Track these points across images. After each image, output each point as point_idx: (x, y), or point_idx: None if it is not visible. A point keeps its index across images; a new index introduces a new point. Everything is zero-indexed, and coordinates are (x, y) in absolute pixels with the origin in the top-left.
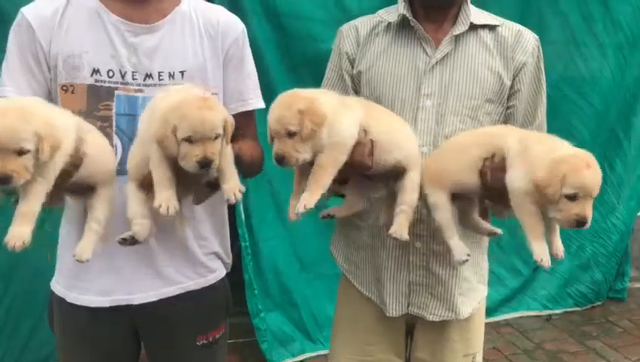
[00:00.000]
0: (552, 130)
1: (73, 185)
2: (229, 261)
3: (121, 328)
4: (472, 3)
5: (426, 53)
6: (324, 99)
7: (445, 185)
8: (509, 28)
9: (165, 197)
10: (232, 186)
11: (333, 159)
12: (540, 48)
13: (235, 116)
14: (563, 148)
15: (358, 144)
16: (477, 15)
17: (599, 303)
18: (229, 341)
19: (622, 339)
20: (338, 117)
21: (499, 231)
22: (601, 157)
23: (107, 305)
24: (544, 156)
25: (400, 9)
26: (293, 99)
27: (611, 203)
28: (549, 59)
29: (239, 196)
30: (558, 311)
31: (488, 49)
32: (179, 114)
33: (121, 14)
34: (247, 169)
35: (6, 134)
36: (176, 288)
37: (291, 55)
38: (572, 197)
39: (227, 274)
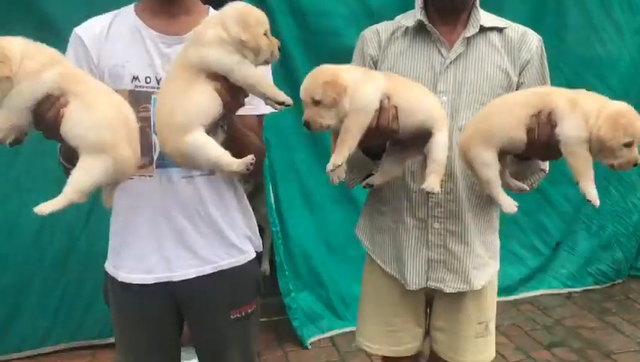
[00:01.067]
0: None
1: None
2: (259, 242)
3: (165, 303)
4: None
5: (441, 54)
6: (347, 72)
7: (495, 143)
8: (514, 30)
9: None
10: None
11: (356, 122)
12: (543, 47)
13: (243, 118)
14: (609, 102)
15: (382, 110)
16: (486, 18)
17: (619, 281)
18: (264, 319)
19: None
20: (359, 86)
21: (526, 187)
22: None
23: (151, 281)
24: (597, 109)
25: (417, 15)
26: (319, 72)
27: (631, 183)
28: (568, 44)
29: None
30: (578, 289)
31: (497, 49)
32: (245, 14)
33: (156, 29)
34: (243, 142)
35: None
36: (211, 267)
37: (316, 50)
38: (629, 145)
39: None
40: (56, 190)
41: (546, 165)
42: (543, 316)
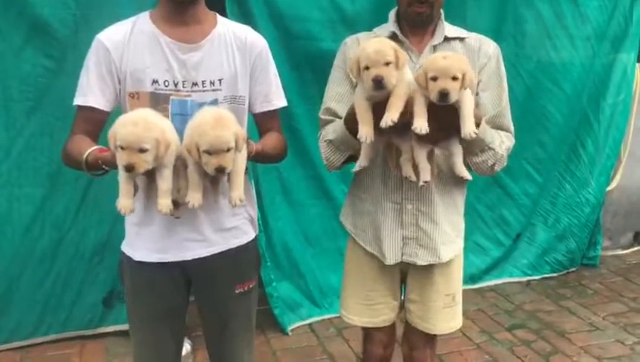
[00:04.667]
0: (528, 113)
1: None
2: (257, 225)
3: (176, 279)
4: (455, 6)
5: (412, 60)
6: None
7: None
8: (474, 38)
9: (196, 197)
10: (235, 195)
11: (404, 91)
12: (499, 52)
13: (262, 114)
14: None
15: None
16: (449, 30)
17: (574, 269)
18: None
19: (593, 299)
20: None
21: (468, 176)
22: (573, 137)
23: (165, 261)
24: None
25: (390, 27)
26: (387, 41)
27: (584, 179)
28: (526, 50)
29: (239, 203)
30: (536, 277)
31: None
32: (198, 133)
33: (172, 36)
34: (272, 159)
35: (134, 139)
36: (218, 247)
37: (293, 53)
38: (434, 79)
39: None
40: (47, 184)
41: (494, 145)
42: (504, 302)
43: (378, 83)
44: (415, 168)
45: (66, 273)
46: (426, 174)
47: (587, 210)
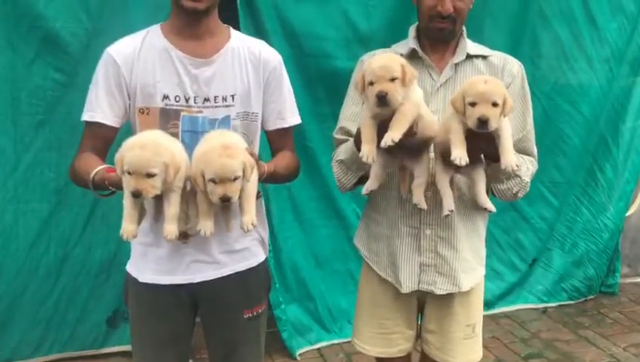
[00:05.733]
0: (545, 136)
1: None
2: (268, 247)
3: (183, 302)
4: (472, 25)
5: (432, 78)
6: None
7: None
8: (497, 57)
9: (207, 225)
10: (247, 219)
11: (410, 110)
12: (524, 71)
13: (275, 131)
14: None
15: None
16: (472, 47)
17: (592, 297)
18: None
19: (612, 329)
20: (414, 84)
21: (492, 208)
22: (591, 162)
23: (173, 283)
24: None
25: (410, 43)
26: (394, 57)
27: (602, 204)
28: (543, 72)
29: (251, 227)
30: (553, 305)
31: (482, 73)
32: (204, 160)
33: (184, 50)
34: (283, 180)
35: (142, 163)
36: (228, 269)
37: (307, 71)
38: (473, 104)
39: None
40: (54, 200)
41: (521, 172)
42: (520, 329)
43: (381, 99)
44: (426, 194)
45: (71, 290)
46: (449, 202)
47: (606, 236)
